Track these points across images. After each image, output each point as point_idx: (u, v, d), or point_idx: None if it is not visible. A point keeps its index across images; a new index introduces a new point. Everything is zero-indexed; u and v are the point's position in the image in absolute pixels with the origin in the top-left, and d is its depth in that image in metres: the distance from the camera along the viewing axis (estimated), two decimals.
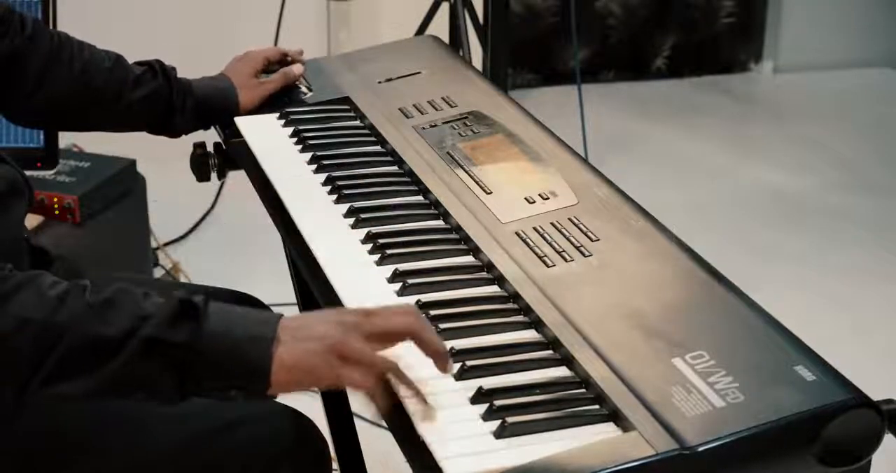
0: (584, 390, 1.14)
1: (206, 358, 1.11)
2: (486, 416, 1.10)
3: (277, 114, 1.78)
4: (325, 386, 1.15)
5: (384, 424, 1.19)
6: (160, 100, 1.73)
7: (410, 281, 1.32)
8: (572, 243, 1.34)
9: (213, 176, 1.83)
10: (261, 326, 1.13)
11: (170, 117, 1.74)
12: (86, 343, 1.11)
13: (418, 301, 1.29)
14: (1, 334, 1.10)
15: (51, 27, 2.35)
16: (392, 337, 1.14)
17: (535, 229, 1.38)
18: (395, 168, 1.62)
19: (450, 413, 1.12)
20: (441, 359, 1.14)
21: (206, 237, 3.29)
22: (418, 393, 1.12)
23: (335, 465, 1.85)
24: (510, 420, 1.09)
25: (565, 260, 1.31)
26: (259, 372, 1.11)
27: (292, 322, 1.14)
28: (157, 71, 1.74)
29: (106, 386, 1.12)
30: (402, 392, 1.13)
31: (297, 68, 1.84)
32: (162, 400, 1.15)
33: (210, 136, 1.82)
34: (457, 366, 1.18)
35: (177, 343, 1.11)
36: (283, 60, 1.86)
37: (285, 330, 1.12)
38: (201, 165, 1.80)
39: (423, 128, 1.66)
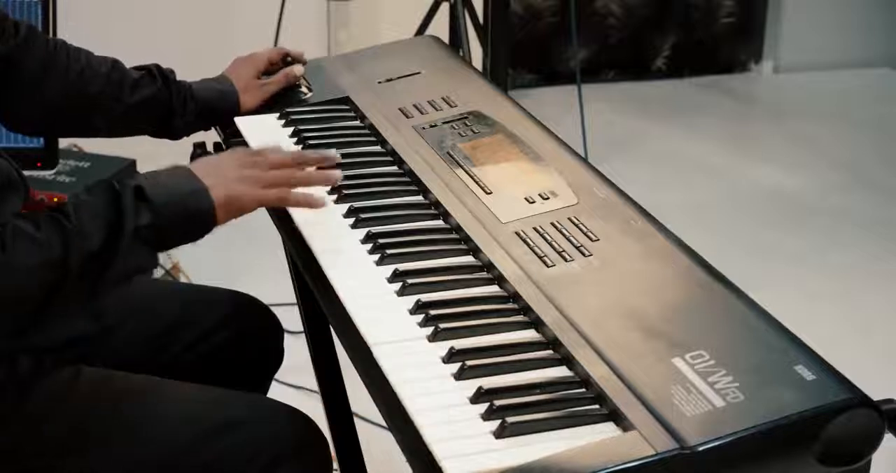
0: (583, 390, 1.14)
1: (169, 225, 1.31)
2: (486, 416, 1.10)
3: (277, 114, 1.78)
4: (252, 208, 1.38)
5: (384, 424, 1.19)
6: (159, 103, 1.73)
7: (410, 280, 1.32)
8: (572, 243, 1.34)
9: None
10: (189, 181, 1.34)
11: (169, 120, 1.74)
12: (85, 262, 1.26)
13: (418, 301, 1.29)
14: (16, 285, 1.24)
15: (51, 28, 2.36)
16: (284, 165, 1.40)
17: (535, 229, 1.38)
18: (395, 168, 1.62)
19: (450, 413, 1.12)
20: (327, 162, 1.45)
21: (206, 237, 3.28)
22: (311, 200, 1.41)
23: (335, 465, 1.85)
24: (510, 419, 1.09)
25: (565, 260, 1.31)
26: (207, 218, 1.34)
27: (205, 169, 1.36)
28: (155, 75, 1.73)
29: (107, 287, 1.30)
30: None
31: (297, 69, 1.84)
32: (146, 271, 1.35)
33: (210, 136, 1.82)
34: (457, 366, 1.18)
35: (148, 224, 1.29)
36: (285, 61, 1.86)
37: (206, 178, 1.34)
38: None
39: (423, 128, 1.66)
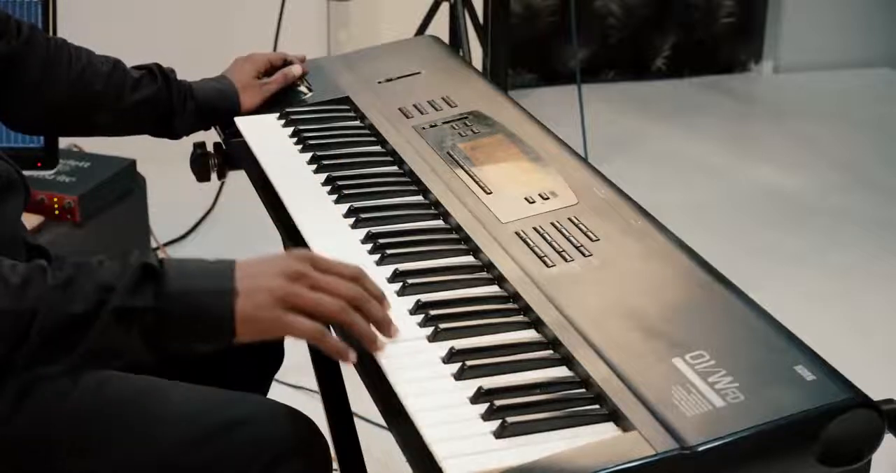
0: (584, 390, 1.14)
1: (172, 318, 1.16)
2: (487, 416, 1.10)
3: (277, 114, 1.78)
4: (278, 336, 1.20)
5: (384, 424, 1.19)
6: (160, 103, 1.73)
7: (410, 281, 1.32)
8: (572, 243, 1.34)
9: (213, 176, 1.83)
10: (219, 279, 1.18)
11: (170, 120, 1.74)
12: (56, 324, 1.14)
13: (418, 301, 1.29)
14: None
15: (51, 28, 2.36)
16: (336, 295, 1.18)
17: (535, 229, 1.38)
18: (395, 168, 1.62)
19: (450, 413, 1.12)
20: (383, 328, 1.20)
21: (206, 237, 3.29)
22: (371, 334, 1.18)
23: (335, 465, 1.85)
24: (510, 419, 1.09)
25: (565, 260, 1.31)
26: (223, 326, 1.16)
27: (246, 270, 1.19)
28: (155, 74, 1.74)
29: (83, 361, 1.17)
30: (358, 331, 1.18)
31: (296, 69, 1.85)
32: (136, 363, 1.20)
33: (210, 136, 1.82)
34: (457, 366, 1.18)
35: (142, 308, 1.15)
36: (285, 64, 1.86)
37: (241, 281, 1.17)
38: (201, 165, 1.80)
39: (423, 128, 1.66)
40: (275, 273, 1.18)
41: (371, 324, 1.20)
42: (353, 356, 1.17)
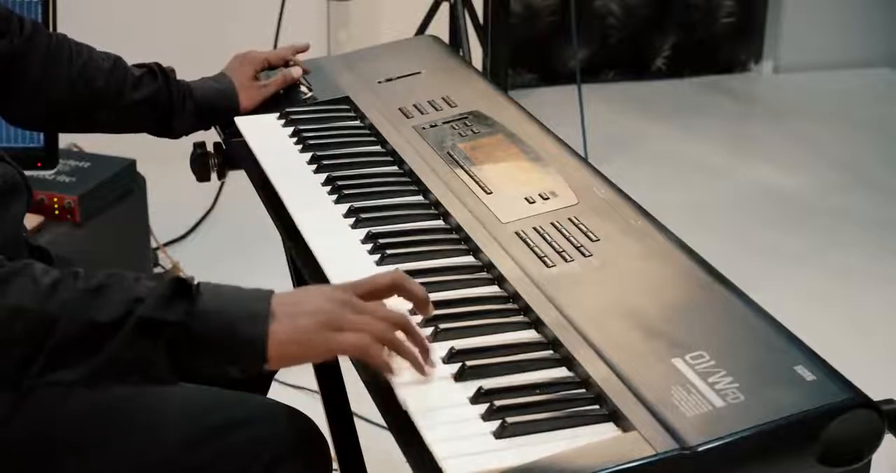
0: (583, 390, 1.14)
1: (200, 337, 1.13)
2: (487, 416, 1.10)
3: (277, 114, 1.78)
4: (321, 358, 1.17)
5: (384, 424, 1.19)
6: (160, 102, 1.73)
7: None
8: (572, 243, 1.34)
9: (213, 176, 1.83)
10: (254, 303, 1.15)
11: (169, 119, 1.74)
12: (81, 329, 1.12)
13: None
14: None
15: (51, 27, 2.36)
16: (380, 295, 1.19)
17: (535, 229, 1.38)
18: (395, 168, 1.62)
19: (450, 414, 1.12)
20: (422, 306, 1.21)
21: (206, 237, 3.29)
22: (416, 358, 1.16)
23: (335, 465, 1.85)
24: (510, 420, 1.09)
25: (565, 260, 1.31)
26: (255, 349, 1.13)
27: (285, 298, 1.16)
28: (156, 73, 1.74)
29: (103, 371, 1.13)
30: (401, 359, 1.16)
31: (296, 70, 1.85)
32: (157, 382, 1.16)
33: (210, 136, 1.82)
34: (457, 366, 1.18)
35: (171, 322, 1.12)
36: (285, 63, 1.87)
37: (279, 306, 1.15)
38: (201, 165, 1.80)
39: (423, 128, 1.66)
40: (318, 299, 1.16)
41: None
42: (399, 370, 1.15)
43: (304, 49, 1.91)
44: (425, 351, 1.18)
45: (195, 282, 1.16)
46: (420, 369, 1.16)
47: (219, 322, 1.13)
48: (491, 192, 1.47)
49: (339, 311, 1.15)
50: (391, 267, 1.35)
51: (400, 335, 1.17)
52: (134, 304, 1.12)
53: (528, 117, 1.65)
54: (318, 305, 1.15)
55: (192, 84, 1.77)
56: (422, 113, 1.71)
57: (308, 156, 1.65)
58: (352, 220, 1.47)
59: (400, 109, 1.73)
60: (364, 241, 1.43)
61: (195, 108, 1.75)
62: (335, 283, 1.24)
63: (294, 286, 1.94)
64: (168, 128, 1.76)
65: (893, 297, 3.08)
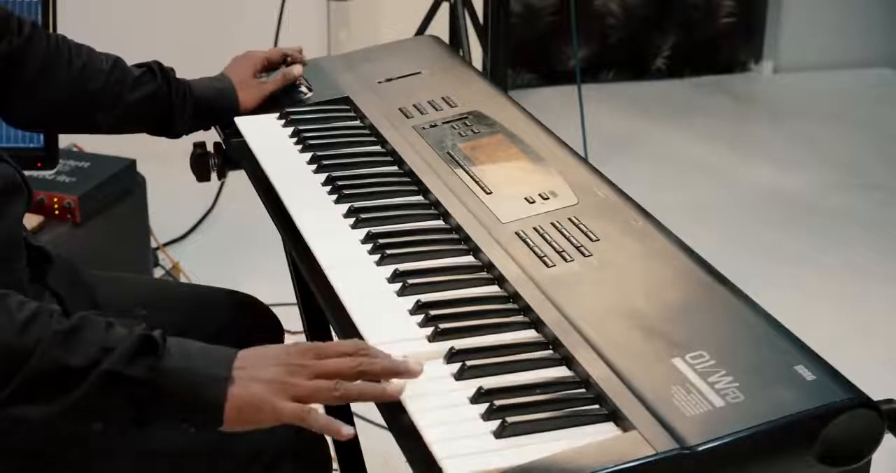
0: (583, 390, 1.14)
1: (162, 394, 1.14)
2: (487, 416, 1.10)
3: (277, 114, 1.78)
4: (272, 423, 1.16)
5: (384, 424, 1.19)
6: (159, 101, 1.73)
7: (410, 281, 1.32)
8: (572, 243, 1.34)
9: (213, 176, 1.83)
10: (216, 366, 1.16)
11: (169, 118, 1.74)
12: (49, 369, 1.13)
13: (418, 301, 1.29)
14: None
15: (51, 27, 2.36)
16: (341, 377, 1.16)
17: (535, 229, 1.38)
18: (395, 168, 1.62)
19: (450, 413, 1.12)
20: (405, 373, 1.16)
21: (206, 237, 3.29)
22: (379, 396, 1.15)
23: (335, 465, 1.85)
24: (510, 419, 1.09)
25: (565, 260, 1.31)
26: (213, 411, 1.14)
27: (245, 361, 1.17)
28: (155, 72, 1.73)
29: (64, 414, 1.14)
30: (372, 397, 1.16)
31: (296, 69, 1.84)
32: (117, 431, 1.19)
33: (210, 136, 1.82)
34: (457, 366, 1.18)
35: (135, 378, 1.13)
36: (284, 61, 1.86)
37: (238, 371, 1.15)
38: (201, 165, 1.80)
39: (423, 128, 1.66)
40: (274, 364, 1.17)
41: (394, 377, 1.16)
42: (345, 430, 1.15)
43: (298, 51, 1.90)
44: (403, 372, 1.16)
45: (162, 337, 1.16)
46: (386, 398, 1.15)
47: (180, 381, 1.14)
48: (491, 192, 1.47)
49: (292, 379, 1.15)
50: (391, 268, 1.35)
51: (346, 389, 1.15)
52: (103, 353, 1.13)
53: (528, 117, 1.65)
54: (272, 373, 1.15)
55: (191, 83, 1.77)
56: (422, 113, 1.70)
57: (308, 156, 1.65)
58: (352, 220, 1.47)
59: (400, 109, 1.73)
60: (364, 241, 1.43)
61: (195, 107, 1.75)
62: (299, 344, 1.22)
63: (294, 286, 1.94)
64: (168, 127, 1.76)
65: (893, 297, 3.08)
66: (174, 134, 1.78)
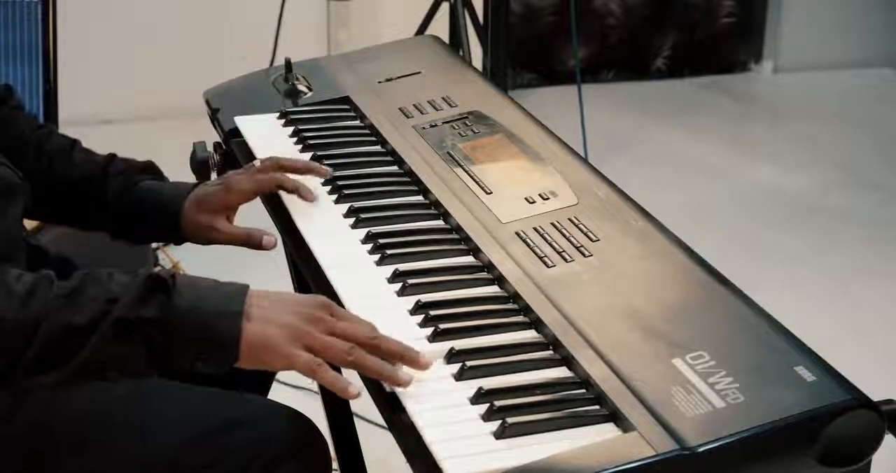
0: (584, 390, 1.14)
1: (176, 332, 1.14)
2: (487, 416, 1.10)
3: (277, 114, 1.78)
4: (282, 369, 1.18)
5: (384, 424, 1.19)
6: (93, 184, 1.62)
7: (410, 281, 1.32)
8: (572, 243, 1.34)
9: (213, 176, 1.82)
10: (229, 300, 1.16)
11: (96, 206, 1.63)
12: (59, 334, 1.13)
13: (418, 301, 1.28)
14: None
15: (51, 28, 2.36)
16: (352, 340, 1.16)
17: (535, 229, 1.38)
18: (395, 168, 1.62)
19: (450, 414, 1.12)
20: (415, 364, 1.16)
21: None
22: (389, 375, 1.15)
23: (335, 465, 1.85)
24: (510, 420, 1.09)
25: (565, 260, 1.31)
26: (227, 346, 1.15)
27: (261, 300, 1.17)
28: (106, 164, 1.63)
29: (82, 371, 1.15)
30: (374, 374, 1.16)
31: (267, 241, 1.56)
32: (136, 376, 1.18)
33: (210, 136, 1.82)
34: (457, 366, 1.18)
35: (148, 318, 1.13)
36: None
37: (253, 308, 1.16)
38: (201, 165, 1.80)
39: (423, 128, 1.66)
40: (291, 311, 1.17)
41: (398, 362, 1.17)
42: (353, 389, 1.15)
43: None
44: (410, 359, 1.16)
45: (170, 276, 1.16)
46: (393, 381, 1.15)
47: (194, 317, 1.14)
48: (491, 192, 1.47)
49: (308, 328, 1.16)
50: (391, 268, 1.35)
51: (361, 356, 1.15)
52: (109, 304, 1.13)
53: (528, 117, 1.65)
54: (289, 319, 1.16)
55: (145, 186, 1.62)
56: (422, 113, 1.70)
57: (308, 156, 1.65)
58: (352, 220, 1.47)
59: (400, 109, 1.73)
60: (364, 241, 1.43)
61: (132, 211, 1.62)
62: (317, 297, 1.23)
63: (294, 286, 1.94)
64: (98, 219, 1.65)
65: (893, 297, 3.08)
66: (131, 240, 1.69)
